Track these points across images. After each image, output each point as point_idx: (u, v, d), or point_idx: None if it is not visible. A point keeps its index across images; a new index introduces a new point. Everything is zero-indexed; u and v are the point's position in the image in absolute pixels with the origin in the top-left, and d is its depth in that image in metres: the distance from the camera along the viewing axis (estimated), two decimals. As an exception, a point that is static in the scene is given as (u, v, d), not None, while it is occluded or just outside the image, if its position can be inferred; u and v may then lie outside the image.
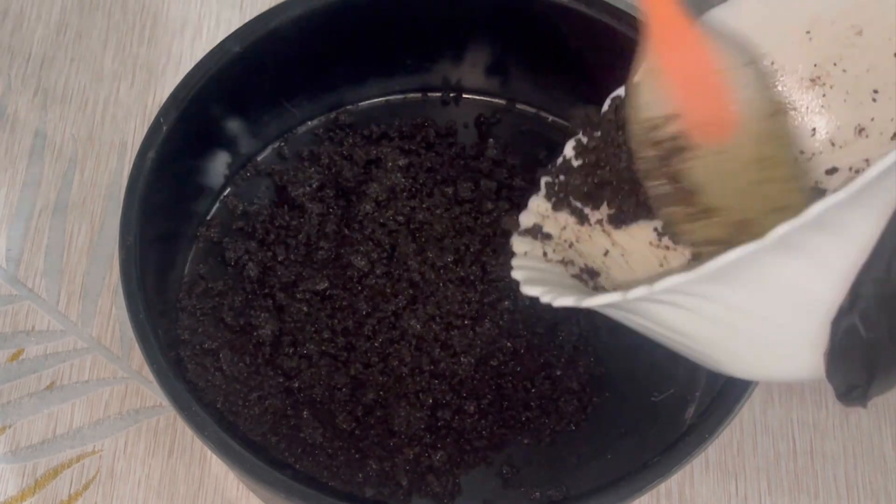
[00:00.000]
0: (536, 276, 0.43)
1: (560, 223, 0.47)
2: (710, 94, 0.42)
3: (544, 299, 0.40)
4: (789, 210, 0.36)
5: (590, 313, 0.53)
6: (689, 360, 0.52)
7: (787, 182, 0.42)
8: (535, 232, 0.46)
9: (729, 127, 0.42)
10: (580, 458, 0.51)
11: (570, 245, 0.46)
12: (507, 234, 0.54)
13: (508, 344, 0.52)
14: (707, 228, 0.42)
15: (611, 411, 0.52)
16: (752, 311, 0.37)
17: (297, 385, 0.51)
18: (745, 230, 0.41)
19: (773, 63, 0.44)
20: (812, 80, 0.44)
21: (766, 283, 0.36)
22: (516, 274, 0.43)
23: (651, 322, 0.39)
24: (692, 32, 0.42)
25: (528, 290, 0.41)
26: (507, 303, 0.52)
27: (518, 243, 0.46)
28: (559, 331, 0.52)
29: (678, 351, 0.42)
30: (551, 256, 0.45)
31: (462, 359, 0.51)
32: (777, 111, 0.43)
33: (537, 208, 0.47)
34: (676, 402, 0.52)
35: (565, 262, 0.45)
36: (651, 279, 0.36)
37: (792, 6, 0.44)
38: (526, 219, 0.47)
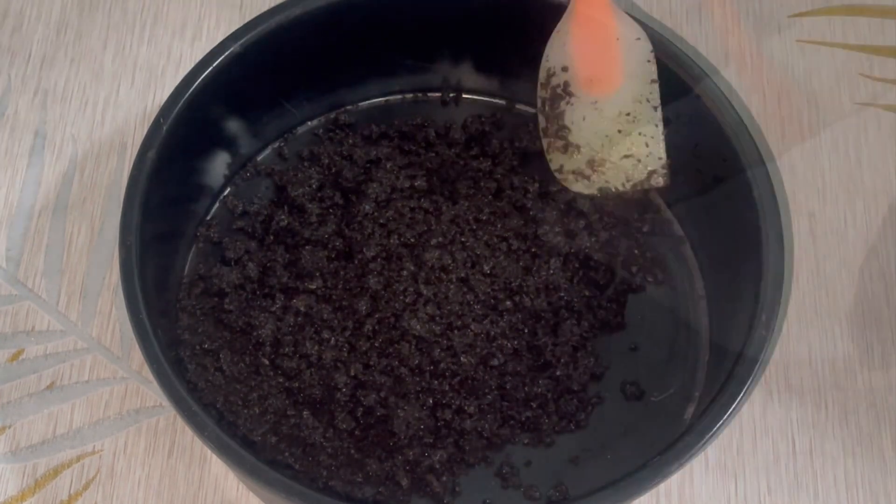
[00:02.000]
0: None
1: None
2: (602, 56, 0.51)
3: None
4: (634, 158, 0.51)
5: (590, 311, 0.53)
6: (688, 360, 0.53)
7: (642, 137, 0.52)
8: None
9: (610, 85, 0.51)
10: (580, 458, 0.50)
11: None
12: (505, 237, 0.54)
13: (508, 344, 0.52)
14: (568, 160, 0.53)
15: (611, 411, 0.52)
16: None
17: (297, 385, 0.51)
18: (596, 168, 0.52)
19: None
20: None
21: None
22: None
23: None
24: (606, 6, 0.50)
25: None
26: (507, 303, 0.52)
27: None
28: (559, 331, 0.52)
29: None
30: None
31: (462, 359, 0.51)
32: (653, 81, 0.51)
33: None
34: (676, 402, 0.52)
35: None
36: None
37: None
38: None
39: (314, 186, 0.55)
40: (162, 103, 0.50)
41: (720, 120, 0.50)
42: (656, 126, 0.52)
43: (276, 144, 0.57)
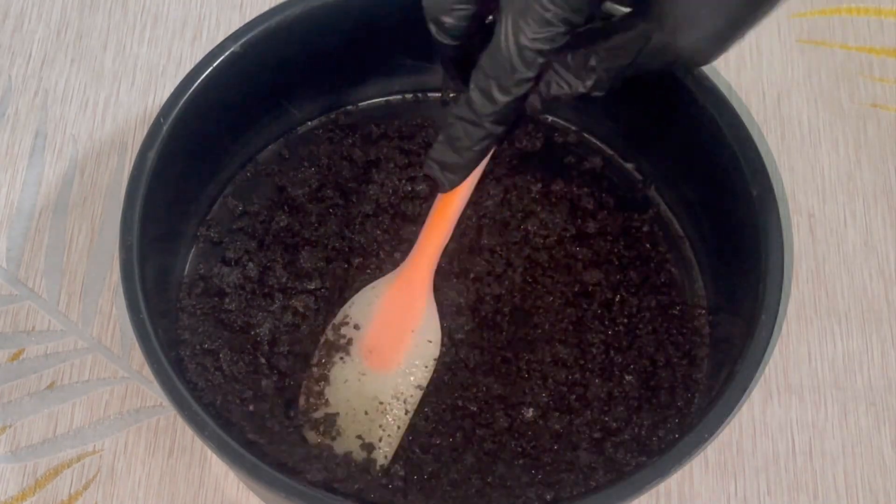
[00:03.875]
0: None
1: None
2: (393, 335, 0.50)
3: None
4: (365, 443, 0.48)
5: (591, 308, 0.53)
6: (689, 361, 0.52)
7: (384, 430, 0.49)
8: None
9: (383, 366, 0.49)
10: (580, 459, 0.50)
11: None
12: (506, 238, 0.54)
13: (508, 356, 0.52)
14: (314, 408, 0.50)
15: (610, 411, 0.52)
16: None
17: (292, 385, 0.51)
18: (332, 430, 0.49)
19: None
20: None
21: None
22: None
23: None
24: (424, 285, 0.50)
25: None
26: (505, 309, 0.52)
27: None
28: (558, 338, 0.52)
29: None
30: None
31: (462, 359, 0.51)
32: (420, 387, 0.49)
33: None
34: (676, 401, 0.52)
35: None
36: None
37: None
38: None
39: (314, 186, 0.55)
40: (162, 103, 0.50)
41: (720, 120, 0.50)
42: (398, 429, 0.49)
43: (276, 144, 0.57)
